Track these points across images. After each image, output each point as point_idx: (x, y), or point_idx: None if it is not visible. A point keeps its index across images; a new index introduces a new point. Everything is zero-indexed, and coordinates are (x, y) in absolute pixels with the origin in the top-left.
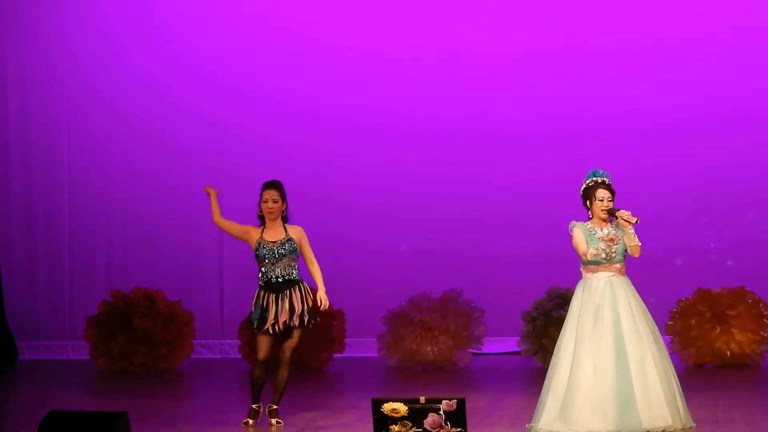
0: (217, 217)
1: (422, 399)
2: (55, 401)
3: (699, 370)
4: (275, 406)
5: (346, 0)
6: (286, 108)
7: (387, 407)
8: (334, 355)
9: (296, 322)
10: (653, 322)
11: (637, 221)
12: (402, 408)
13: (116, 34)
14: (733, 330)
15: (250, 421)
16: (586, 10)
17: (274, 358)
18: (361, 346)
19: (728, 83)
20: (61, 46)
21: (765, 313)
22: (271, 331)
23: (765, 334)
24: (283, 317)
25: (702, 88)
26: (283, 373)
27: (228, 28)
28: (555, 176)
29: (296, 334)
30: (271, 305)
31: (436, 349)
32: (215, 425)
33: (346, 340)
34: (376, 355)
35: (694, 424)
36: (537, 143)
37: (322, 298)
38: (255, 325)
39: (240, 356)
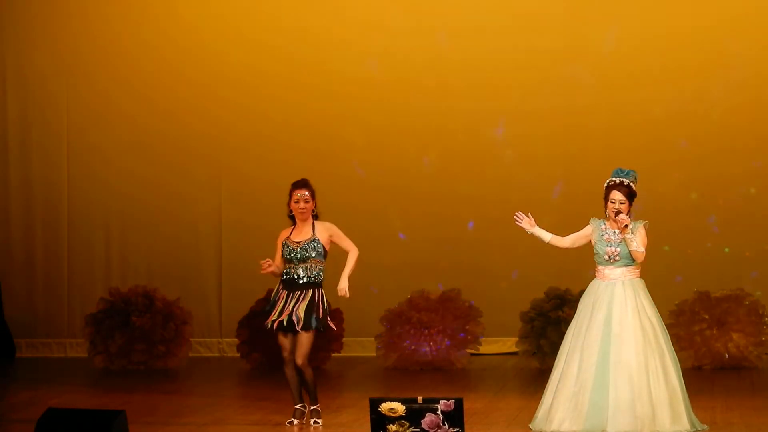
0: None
1: (420, 399)
2: (53, 399)
3: (697, 372)
4: (314, 407)
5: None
6: (287, 108)
7: (384, 407)
8: (332, 354)
9: (299, 327)
10: (661, 328)
11: (622, 231)
12: (400, 408)
13: (116, 33)
14: (731, 332)
15: (295, 421)
16: None
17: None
18: (359, 346)
19: (732, 80)
20: (61, 46)
21: (763, 314)
22: (269, 327)
23: (763, 337)
24: (283, 316)
25: (707, 89)
26: (304, 377)
27: (228, 24)
28: (554, 176)
29: (304, 339)
30: (279, 302)
31: (434, 349)
32: (213, 424)
33: (344, 339)
34: (375, 354)
35: (706, 427)
36: (534, 144)
37: (341, 286)
38: (268, 325)
39: (239, 355)
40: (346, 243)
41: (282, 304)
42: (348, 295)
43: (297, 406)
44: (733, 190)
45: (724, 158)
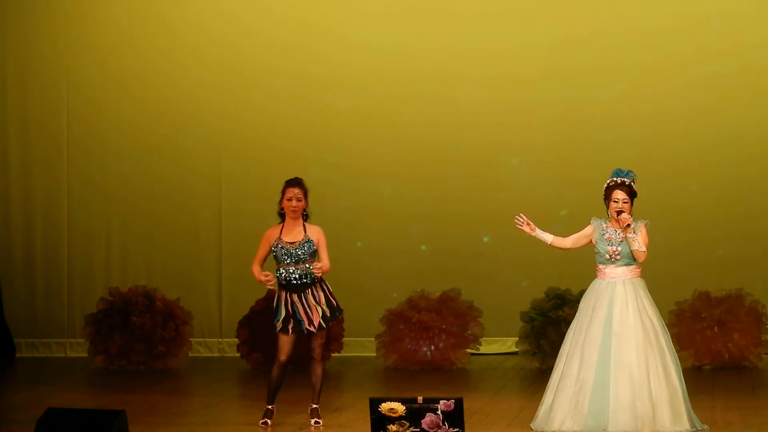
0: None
1: (420, 399)
2: (53, 399)
3: (697, 372)
4: (315, 405)
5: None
6: (287, 107)
7: (385, 407)
8: (332, 354)
9: (323, 323)
10: (662, 327)
11: (624, 230)
12: (400, 408)
13: (116, 33)
14: (731, 332)
15: (269, 422)
16: None
17: (300, 358)
18: (359, 346)
19: (739, 82)
20: (61, 46)
21: (763, 314)
22: (305, 332)
23: (763, 336)
24: (316, 321)
25: (715, 91)
26: (318, 371)
27: (229, 24)
28: (555, 176)
29: (322, 331)
30: (297, 305)
31: (434, 349)
32: (213, 424)
33: (344, 339)
34: (375, 354)
35: (706, 427)
36: (534, 145)
37: (324, 265)
38: (278, 327)
39: (239, 355)
40: (324, 257)
41: (302, 307)
42: (325, 270)
43: (268, 407)
44: (740, 191)
45: (726, 159)
